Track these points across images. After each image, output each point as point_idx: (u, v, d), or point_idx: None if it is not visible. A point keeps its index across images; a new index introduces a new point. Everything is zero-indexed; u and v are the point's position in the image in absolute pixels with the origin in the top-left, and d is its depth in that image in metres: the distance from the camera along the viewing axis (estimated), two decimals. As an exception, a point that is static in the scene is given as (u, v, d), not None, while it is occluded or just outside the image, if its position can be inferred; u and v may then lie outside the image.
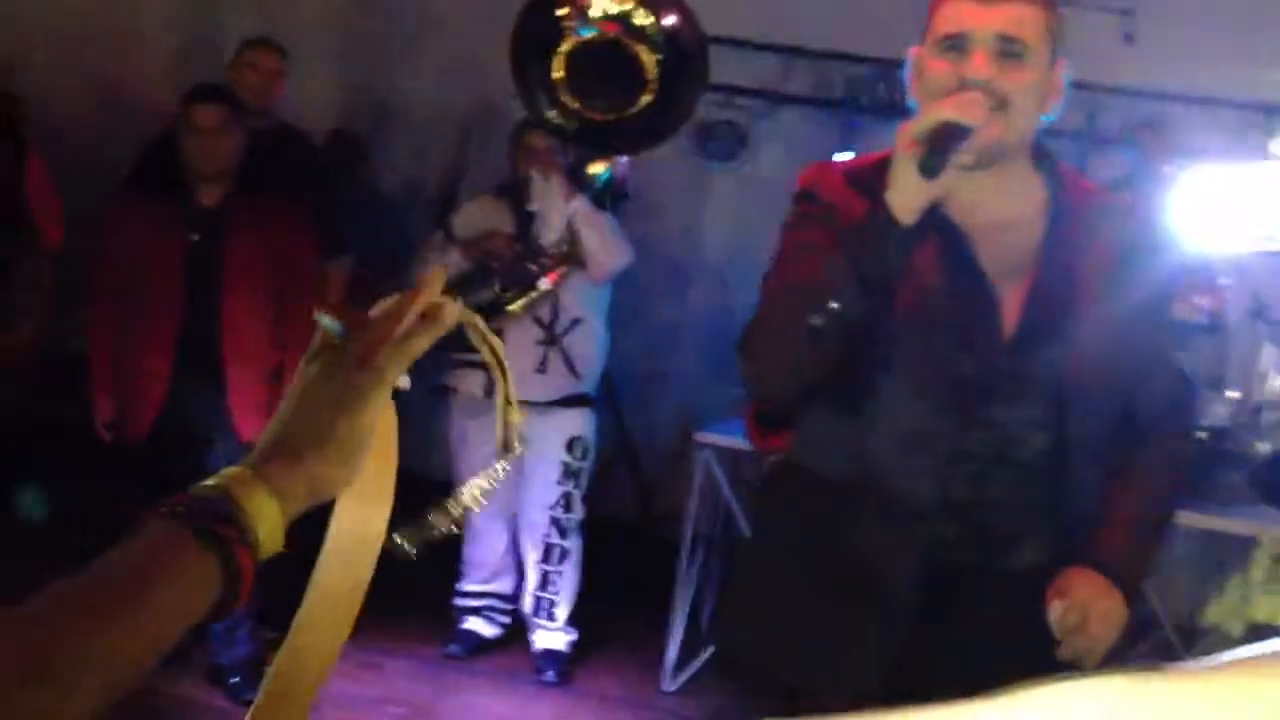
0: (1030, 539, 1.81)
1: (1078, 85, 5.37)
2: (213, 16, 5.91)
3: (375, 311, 0.96)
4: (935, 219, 1.76)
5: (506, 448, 1.01)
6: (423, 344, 0.95)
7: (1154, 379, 1.89)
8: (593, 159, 4.06)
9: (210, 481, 0.86)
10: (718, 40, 3.97)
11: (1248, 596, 4.35)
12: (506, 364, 1.01)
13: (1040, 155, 1.88)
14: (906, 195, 1.65)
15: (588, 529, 4.15)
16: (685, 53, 3.48)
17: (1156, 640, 4.04)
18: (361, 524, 0.96)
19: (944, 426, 1.77)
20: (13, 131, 4.77)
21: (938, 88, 1.74)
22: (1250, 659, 0.74)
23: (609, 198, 4.18)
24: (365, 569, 0.96)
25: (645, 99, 3.43)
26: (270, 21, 5.50)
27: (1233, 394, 4.40)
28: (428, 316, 0.96)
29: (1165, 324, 2.04)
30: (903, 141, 1.66)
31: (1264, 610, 4.44)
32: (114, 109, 5.77)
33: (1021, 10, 1.77)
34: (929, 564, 1.77)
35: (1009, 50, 1.75)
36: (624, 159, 4.18)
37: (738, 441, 4.15)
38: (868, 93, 5.44)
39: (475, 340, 1.00)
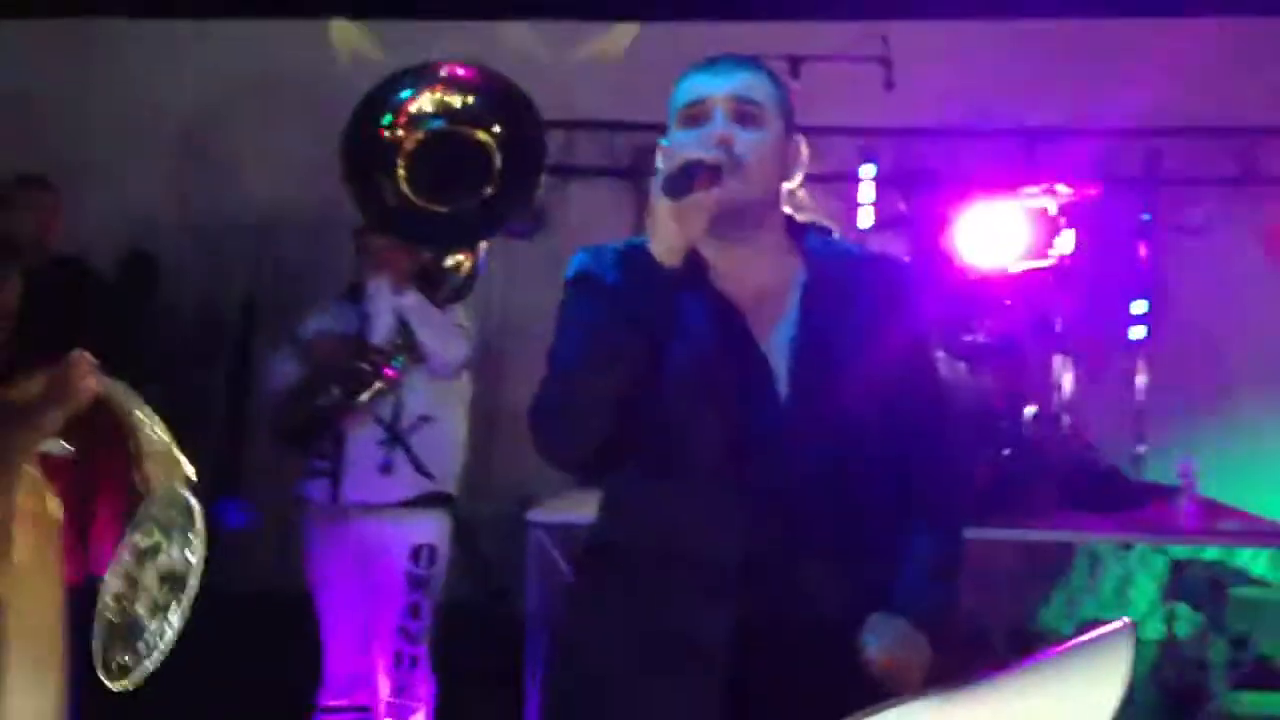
0: (833, 588, 1.89)
1: (849, 130, 5.61)
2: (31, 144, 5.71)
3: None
4: (703, 289, 1.91)
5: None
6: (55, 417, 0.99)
7: (924, 420, 2.01)
8: (452, 253, 3.97)
9: None
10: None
11: (1073, 599, 4.57)
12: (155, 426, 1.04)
13: (794, 229, 2.02)
14: (663, 234, 1.79)
15: (445, 629, 4.10)
16: (519, 122, 3.48)
17: (991, 654, 4.20)
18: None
19: (736, 489, 1.86)
20: None
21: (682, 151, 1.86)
22: (1031, 671, 0.87)
23: (464, 289, 4.09)
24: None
25: (488, 179, 3.42)
26: (55, 149, 5.38)
27: (1031, 408, 4.63)
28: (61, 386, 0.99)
29: (929, 366, 2.16)
30: (653, 190, 1.80)
31: (1089, 610, 4.67)
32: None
33: (753, 78, 1.95)
34: (742, 625, 1.84)
35: (744, 113, 1.91)
36: (482, 249, 4.07)
37: (571, 515, 4.18)
38: (654, 159, 5.58)
39: (116, 409, 1.04)
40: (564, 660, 2.03)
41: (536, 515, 4.26)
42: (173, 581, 0.92)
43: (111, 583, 0.97)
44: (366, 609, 4.01)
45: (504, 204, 3.52)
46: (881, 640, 1.84)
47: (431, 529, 3.99)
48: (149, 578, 0.94)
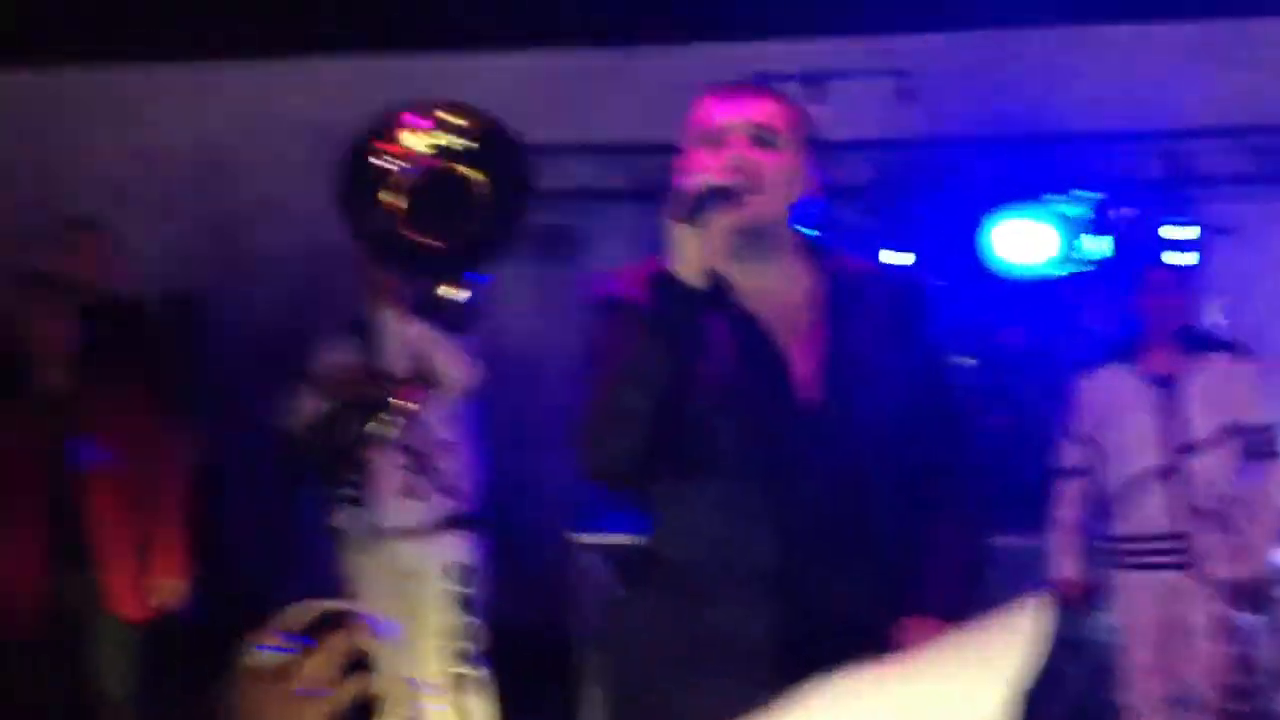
0: (866, 592, 1.98)
1: (868, 144, 5.51)
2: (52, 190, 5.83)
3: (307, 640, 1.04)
4: (729, 308, 1.99)
5: None
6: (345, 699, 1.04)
7: (943, 425, 2.09)
8: (447, 286, 4.08)
9: None
10: (533, 149, 4.09)
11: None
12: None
13: (808, 245, 2.10)
14: (685, 256, 1.86)
15: (498, 650, 4.16)
16: (507, 161, 3.66)
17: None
18: None
19: (771, 499, 1.95)
20: None
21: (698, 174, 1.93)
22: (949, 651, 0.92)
23: (469, 319, 4.21)
24: None
25: (479, 216, 3.62)
26: (113, 189, 5.50)
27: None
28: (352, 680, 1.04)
29: (944, 374, 2.25)
30: (670, 213, 1.86)
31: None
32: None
33: (770, 105, 2.03)
34: (781, 629, 1.92)
35: (761, 137, 1.99)
36: (481, 279, 4.20)
37: (618, 536, 4.23)
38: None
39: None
40: (617, 671, 2.10)
41: (582, 537, 4.31)
42: None
43: None
44: (414, 632, 4.06)
45: (489, 241, 3.73)
46: (917, 642, 1.89)
47: (463, 548, 4.06)
48: None
